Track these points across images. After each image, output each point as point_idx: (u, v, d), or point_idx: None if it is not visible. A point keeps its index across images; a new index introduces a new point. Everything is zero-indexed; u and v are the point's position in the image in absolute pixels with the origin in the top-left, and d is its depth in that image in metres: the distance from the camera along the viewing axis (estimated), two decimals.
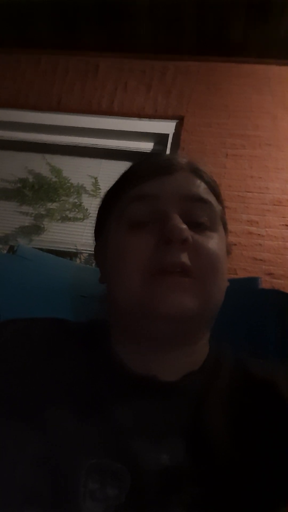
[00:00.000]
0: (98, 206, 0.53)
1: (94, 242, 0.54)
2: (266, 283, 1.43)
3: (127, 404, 0.39)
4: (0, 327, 0.47)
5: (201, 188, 0.45)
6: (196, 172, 0.46)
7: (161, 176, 0.44)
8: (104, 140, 1.87)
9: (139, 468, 0.34)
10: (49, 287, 0.71)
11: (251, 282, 0.72)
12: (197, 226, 0.41)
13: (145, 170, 0.46)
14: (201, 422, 0.38)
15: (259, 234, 1.52)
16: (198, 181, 0.45)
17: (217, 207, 0.45)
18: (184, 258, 0.38)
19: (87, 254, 1.72)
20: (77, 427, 0.36)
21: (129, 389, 0.40)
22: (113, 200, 0.48)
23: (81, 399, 0.39)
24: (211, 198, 0.45)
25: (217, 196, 0.47)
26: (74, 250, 1.70)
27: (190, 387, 0.41)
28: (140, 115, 1.81)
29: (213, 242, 0.42)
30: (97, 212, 0.53)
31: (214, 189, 0.47)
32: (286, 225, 1.53)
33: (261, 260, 1.48)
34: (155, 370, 0.41)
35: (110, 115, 1.83)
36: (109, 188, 0.51)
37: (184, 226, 0.39)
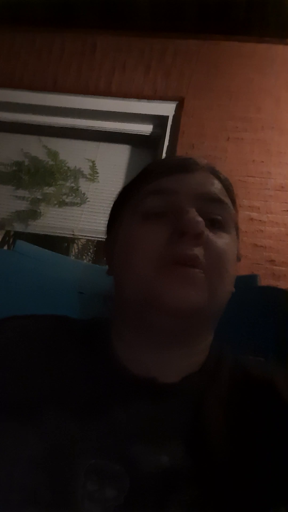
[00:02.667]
0: (113, 201, 0.53)
1: (106, 235, 0.54)
2: (267, 270, 1.42)
3: (127, 406, 0.39)
4: (1, 324, 0.47)
5: (219, 189, 0.45)
6: (215, 173, 0.47)
7: (180, 173, 0.44)
8: (102, 122, 1.83)
9: (138, 470, 0.34)
10: (47, 284, 0.72)
11: (250, 279, 0.74)
12: (211, 225, 0.42)
13: (164, 166, 0.46)
14: (201, 424, 0.38)
15: (260, 220, 1.49)
16: (217, 182, 0.46)
17: (232, 210, 0.46)
18: (197, 251, 0.39)
19: (84, 240, 1.70)
20: (76, 428, 0.37)
21: (128, 391, 0.40)
22: (128, 194, 0.48)
23: (80, 399, 0.39)
24: (227, 200, 0.45)
25: (233, 201, 0.48)
26: (71, 236, 1.67)
27: (189, 388, 0.41)
28: (139, 96, 1.76)
29: (225, 242, 0.42)
30: (112, 206, 0.53)
31: (231, 194, 0.47)
32: None
33: (262, 246, 1.46)
34: (154, 372, 0.41)
35: (108, 96, 1.78)
36: (125, 185, 0.52)
37: (200, 219, 0.39)
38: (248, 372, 0.43)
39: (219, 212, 0.43)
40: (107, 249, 0.52)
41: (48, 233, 1.69)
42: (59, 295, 0.70)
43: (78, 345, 0.45)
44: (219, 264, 0.40)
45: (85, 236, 1.66)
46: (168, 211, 0.42)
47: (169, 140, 1.69)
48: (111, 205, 0.53)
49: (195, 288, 0.38)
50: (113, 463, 0.34)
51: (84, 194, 1.74)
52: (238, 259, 0.47)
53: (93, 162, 1.78)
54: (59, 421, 0.37)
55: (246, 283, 0.71)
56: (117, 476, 0.33)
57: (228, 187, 0.47)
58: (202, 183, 0.44)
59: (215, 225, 0.42)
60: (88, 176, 1.77)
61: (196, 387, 0.41)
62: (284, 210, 1.50)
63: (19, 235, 1.71)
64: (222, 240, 0.41)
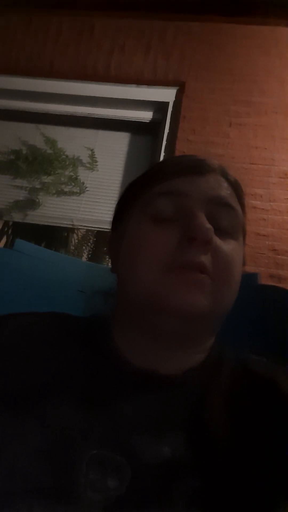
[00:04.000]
0: (119, 196, 0.53)
1: (110, 231, 0.53)
2: (269, 259, 1.40)
3: (128, 397, 0.40)
4: (1, 321, 0.47)
5: (229, 194, 0.45)
6: (226, 176, 0.46)
7: (192, 175, 0.44)
8: (101, 109, 1.79)
9: (140, 460, 0.35)
10: (46, 282, 0.72)
11: (250, 278, 0.74)
12: (219, 231, 0.41)
13: (176, 166, 0.46)
14: (202, 415, 0.38)
15: (263, 209, 1.47)
16: (227, 186, 0.45)
17: (241, 215, 0.46)
18: (205, 258, 0.39)
19: (84, 230, 1.68)
20: (78, 419, 0.37)
21: (129, 382, 0.41)
22: (137, 192, 0.48)
23: (82, 391, 0.40)
24: (237, 205, 0.45)
25: (242, 205, 0.48)
26: (71, 226, 1.65)
27: (191, 381, 0.42)
28: (139, 80, 1.72)
29: (232, 249, 0.42)
30: (117, 202, 0.53)
31: (240, 198, 0.47)
32: None
33: (264, 235, 1.43)
34: (156, 365, 0.42)
35: (106, 80, 1.73)
36: (133, 180, 0.52)
37: (210, 226, 0.39)
38: (249, 369, 0.44)
39: (228, 218, 0.43)
40: (111, 246, 0.52)
41: (47, 224, 1.67)
42: (58, 293, 0.70)
43: (78, 340, 0.46)
44: (226, 272, 0.40)
45: (85, 226, 1.65)
46: (178, 214, 0.42)
47: (169, 126, 1.65)
48: (117, 199, 0.53)
49: (201, 292, 0.38)
50: (115, 454, 0.35)
51: (83, 183, 1.72)
52: (244, 264, 0.48)
53: (92, 150, 1.75)
54: (61, 414, 0.37)
55: (247, 281, 0.71)
56: (119, 467, 0.34)
57: (237, 190, 0.47)
58: (213, 186, 0.44)
59: (223, 231, 0.42)
60: (87, 165, 1.75)
61: (197, 381, 0.42)
62: (287, 198, 1.47)
63: (17, 225, 1.70)
64: (229, 247, 0.42)
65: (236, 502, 0.33)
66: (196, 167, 0.45)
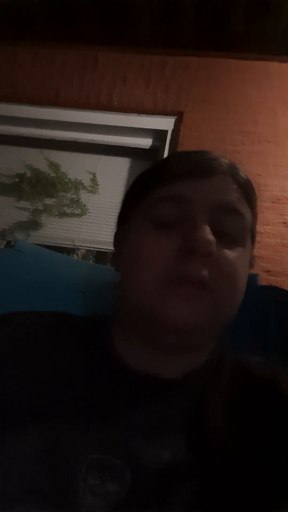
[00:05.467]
0: (127, 190, 0.50)
1: (116, 226, 0.52)
2: (263, 280, 1.43)
3: (128, 401, 0.39)
4: (2, 320, 0.47)
5: (237, 198, 0.42)
6: (235, 177, 0.43)
7: (197, 178, 0.41)
8: (103, 135, 1.85)
9: (139, 465, 0.34)
10: (47, 282, 0.71)
11: (250, 279, 0.71)
12: (224, 237, 0.39)
13: (182, 167, 0.43)
14: (202, 419, 0.38)
15: (257, 232, 1.51)
16: (236, 189, 0.42)
17: (249, 219, 0.43)
18: (205, 272, 0.37)
19: (84, 250, 1.72)
20: (78, 423, 0.36)
21: (129, 387, 0.40)
22: (143, 191, 0.45)
23: (81, 394, 0.39)
24: (245, 210, 0.42)
25: (252, 204, 0.45)
26: (72, 246, 1.69)
27: (191, 385, 0.41)
28: (139, 110, 1.79)
29: (237, 257, 0.40)
30: (124, 195, 0.50)
31: (250, 198, 0.44)
32: (284, 222, 1.52)
33: (259, 257, 1.47)
34: (156, 368, 0.41)
35: (109, 110, 1.81)
36: (139, 175, 0.49)
37: (212, 238, 0.37)
38: (249, 371, 0.43)
39: (234, 224, 0.41)
40: (117, 242, 0.50)
41: (49, 244, 1.70)
42: (59, 293, 0.69)
43: (78, 341, 0.45)
44: (229, 282, 0.39)
45: (85, 246, 1.67)
46: (180, 221, 0.39)
47: (168, 153, 1.72)
48: (123, 194, 0.51)
49: (199, 307, 0.37)
50: (115, 458, 0.34)
51: (84, 205, 1.76)
52: (252, 265, 0.46)
53: (93, 174, 1.80)
54: (60, 416, 0.37)
55: (247, 282, 0.70)
56: (119, 471, 0.33)
57: (247, 192, 0.44)
58: (219, 190, 0.41)
59: (228, 238, 0.40)
60: (89, 188, 1.79)
61: (198, 384, 0.41)
62: (280, 222, 1.52)
63: None
64: (234, 255, 0.39)
65: (236, 505, 0.33)
66: (202, 169, 0.42)
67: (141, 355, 0.42)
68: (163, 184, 0.42)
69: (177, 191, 0.41)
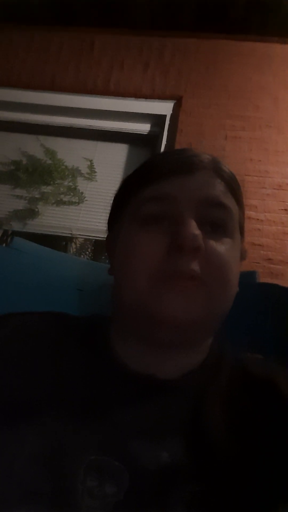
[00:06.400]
0: (115, 194, 0.51)
1: (107, 231, 0.53)
2: (264, 268, 1.42)
3: (126, 402, 0.39)
4: (1, 321, 0.47)
5: (222, 191, 0.43)
6: (219, 172, 0.44)
7: (181, 175, 0.42)
8: (100, 121, 1.83)
9: (138, 466, 0.34)
10: (44, 280, 0.71)
11: (249, 276, 0.71)
12: (212, 231, 0.40)
13: (165, 166, 0.44)
14: (201, 420, 0.38)
15: (258, 219, 1.50)
16: (219, 183, 0.43)
17: (236, 212, 0.44)
18: (195, 266, 0.38)
19: (82, 239, 1.70)
20: (76, 424, 0.37)
21: (128, 387, 0.40)
22: (129, 193, 0.47)
23: (79, 395, 0.39)
24: (231, 202, 0.43)
25: (238, 198, 0.46)
26: (69, 235, 1.67)
27: (190, 385, 0.41)
28: (137, 95, 1.76)
29: (226, 249, 0.40)
30: (113, 199, 0.51)
31: (235, 191, 0.45)
32: (285, 209, 1.50)
33: (259, 245, 1.46)
34: (154, 369, 0.41)
35: (106, 95, 1.78)
36: (125, 178, 0.50)
37: (198, 232, 0.38)
38: (248, 369, 0.43)
39: (221, 217, 0.41)
40: (109, 246, 0.51)
41: (46, 232, 1.69)
42: (57, 292, 0.69)
43: (77, 342, 0.45)
44: (220, 273, 0.39)
45: (83, 235, 1.66)
46: (166, 218, 0.40)
47: (167, 139, 1.69)
48: (112, 199, 0.52)
49: (193, 301, 0.37)
50: (113, 460, 0.34)
51: (82, 193, 1.74)
52: (243, 258, 0.47)
53: (91, 161, 1.78)
54: (59, 417, 0.37)
55: (245, 279, 0.70)
56: (117, 473, 0.33)
57: (232, 186, 0.45)
58: (203, 186, 0.42)
59: (217, 230, 0.41)
60: (86, 175, 1.77)
61: (196, 384, 0.41)
62: (281, 209, 1.50)
63: (17, 234, 1.72)
64: (223, 247, 0.40)
65: (235, 506, 0.33)
66: (184, 166, 0.43)
67: (139, 356, 0.42)
68: (148, 185, 0.43)
69: (161, 190, 0.42)
